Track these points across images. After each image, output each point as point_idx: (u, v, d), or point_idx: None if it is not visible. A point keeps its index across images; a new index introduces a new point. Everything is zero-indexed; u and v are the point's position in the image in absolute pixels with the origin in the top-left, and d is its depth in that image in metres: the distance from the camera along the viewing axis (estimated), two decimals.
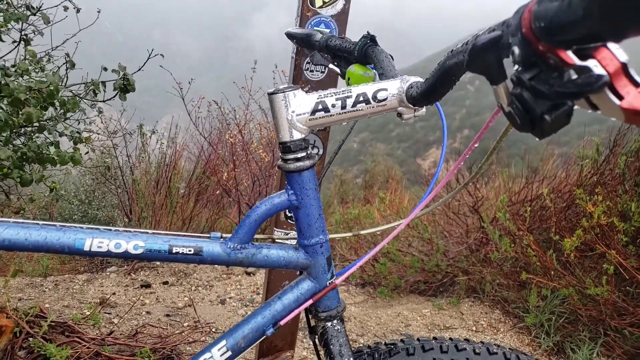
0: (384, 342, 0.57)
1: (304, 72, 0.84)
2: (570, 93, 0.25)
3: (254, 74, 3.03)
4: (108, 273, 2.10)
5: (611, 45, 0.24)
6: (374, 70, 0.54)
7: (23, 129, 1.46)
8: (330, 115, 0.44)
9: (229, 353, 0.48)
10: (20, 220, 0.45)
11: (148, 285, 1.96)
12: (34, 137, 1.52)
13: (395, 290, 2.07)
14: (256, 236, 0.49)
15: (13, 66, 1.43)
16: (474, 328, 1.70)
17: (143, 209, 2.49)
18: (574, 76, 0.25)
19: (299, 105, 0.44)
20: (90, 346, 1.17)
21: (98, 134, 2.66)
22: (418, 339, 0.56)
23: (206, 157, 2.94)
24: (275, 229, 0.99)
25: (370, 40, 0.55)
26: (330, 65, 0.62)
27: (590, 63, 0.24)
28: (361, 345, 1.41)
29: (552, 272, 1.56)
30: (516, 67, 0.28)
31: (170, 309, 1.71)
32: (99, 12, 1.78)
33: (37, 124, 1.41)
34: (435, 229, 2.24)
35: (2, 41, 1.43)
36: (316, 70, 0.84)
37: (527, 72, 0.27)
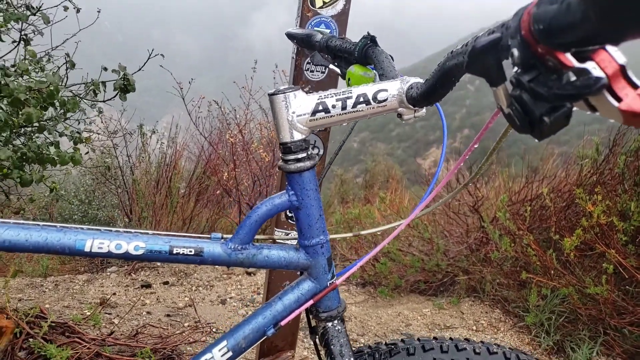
0: (384, 342, 0.57)
1: (305, 73, 0.84)
2: (569, 95, 0.25)
3: (254, 73, 3.03)
4: (108, 273, 2.10)
5: (610, 47, 0.25)
6: (374, 71, 0.54)
7: (23, 129, 1.46)
8: (331, 116, 0.44)
9: (230, 353, 0.48)
10: (21, 221, 0.45)
11: (148, 286, 1.96)
12: (34, 137, 1.52)
13: (396, 290, 2.07)
14: (257, 237, 0.49)
15: (13, 66, 1.43)
16: (474, 327, 1.71)
17: (143, 209, 2.49)
18: (573, 78, 0.25)
19: (300, 106, 0.44)
20: (91, 347, 1.17)
21: (98, 134, 2.66)
22: (418, 339, 0.56)
23: (206, 157, 2.94)
24: (275, 229, 0.99)
25: (370, 40, 0.55)
26: (331, 66, 0.62)
27: (589, 65, 0.24)
28: (362, 345, 1.41)
29: (552, 272, 1.57)
30: (515, 69, 0.28)
31: (171, 309, 1.71)
32: (99, 12, 1.78)
33: (37, 124, 1.41)
34: (435, 229, 2.25)
35: (2, 41, 1.43)
36: (317, 71, 0.85)
37: (526, 74, 0.27)
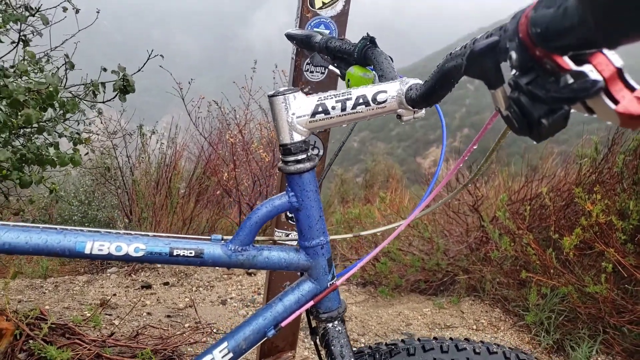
0: (384, 343, 0.57)
1: (304, 73, 0.85)
2: (567, 98, 0.25)
3: (254, 73, 3.03)
4: (108, 274, 2.10)
5: (606, 50, 0.25)
6: (374, 72, 0.55)
7: (22, 130, 1.46)
8: (330, 118, 0.44)
9: (231, 355, 0.48)
10: (21, 224, 0.45)
11: (149, 286, 1.96)
12: (33, 138, 1.52)
13: (396, 290, 2.07)
14: (257, 238, 0.50)
15: (12, 67, 1.43)
16: (474, 327, 1.71)
17: (143, 210, 2.48)
18: (570, 81, 0.25)
19: (299, 107, 0.44)
20: (91, 348, 1.17)
21: (97, 134, 2.66)
22: (419, 339, 0.57)
23: (206, 157, 2.94)
24: (275, 229, 0.99)
25: (369, 42, 0.55)
26: (330, 67, 0.63)
27: (586, 68, 0.25)
28: (362, 345, 1.41)
29: (552, 271, 1.57)
30: (514, 71, 0.28)
31: (171, 310, 1.71)
32: (98, 12, 1.77)
33: (36, 125, 1.41)
34: (435, 228, 2.25)
35: (1, 42, 1.43)
36: (316, 71, 0.85)
37: (525, 77, 0.27)
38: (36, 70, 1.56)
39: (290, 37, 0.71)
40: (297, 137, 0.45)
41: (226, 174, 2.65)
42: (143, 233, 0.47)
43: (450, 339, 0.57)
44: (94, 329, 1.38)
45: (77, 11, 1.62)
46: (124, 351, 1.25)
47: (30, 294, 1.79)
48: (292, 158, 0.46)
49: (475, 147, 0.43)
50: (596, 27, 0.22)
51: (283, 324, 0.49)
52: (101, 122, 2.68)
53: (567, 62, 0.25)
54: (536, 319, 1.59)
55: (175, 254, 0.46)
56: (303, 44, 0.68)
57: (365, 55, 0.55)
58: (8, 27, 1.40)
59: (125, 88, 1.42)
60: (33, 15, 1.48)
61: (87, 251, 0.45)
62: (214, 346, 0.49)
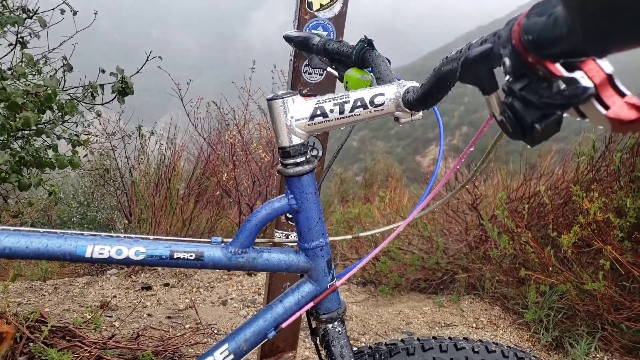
0: (384, 342, 0.58)
1: (303, 75, 0.85)
2: (559, 104, 0.26)
3: (252, 73, 3.02)
4: (108, 276, 2.10)
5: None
6: (372, 74, 0.55)
7: (21, 133, 1.46)
8: (329, 121, 0.45)
9: (232, 356, 0.49)
10: (21, 228, 0.46)
11: (149, 288, 1.96)
12: (31, 140, 1.52)
13: (396, 289, 2.08)
14: (257, 240, 0.50)
15: (9, 69, 1.42)
16: (474, 325, 1.72)
17: (143, 211, 2.48)
18: (563, 86, 0.25)
19: (298, 110, 0.45)
20: (92, 350, 1.18)
21: (96, 136, 2.66)
22: (418, 339, 0.57)
23: (205, 158, 2.94)
24: (275, 230, 0.99)
25: (367, 44, 0.55)
26: (329, 69, 0.63)
27: (577, 75, 0.25)
28: (362, 345, 1.42)
29: (550, 269, 1.58)
30: (507, 77, 0.28)
31: (172, 311, 1.71)
32: (95, 14, 1.77)
33: (34, 128, 1.40)
34: (434, 227, 2.26)
35: None
36: (314, 73, 0.85)
37: (518, 83, 0.28)
38: (34, 73, 1.56)
39: (288, 39, 0.71)
40: (296, 140, 0.46)
41: (225, 175, 2.65)
42: (143, 236, 0.48)
43: (449, 338, 0.58)
44: (94, 331, 1.38)
45: (75, 13, 1.62)
46: (125, 353, 1.25)
47: (29, 296, 1.79)
48: (291, 161, 0.46)
49: (472, 150, 0.43)
50: (585, 37, 0.22)
51: (283, 325, 0.50)
52: (100, 124, 2.68)
53: (558, 68, 0.26)
54: (535, 317, 1.60)
55: (175, 257, 0.46)
56: (301, 46, 0.68)
57: (363, 58, 0.56)
58: (5, 29, 1.40)
59: (124, 90, 1.42)
60: (31, 18, 1.48)
61: (87, 255, 0.45)
62: (214, 348, 0.49)
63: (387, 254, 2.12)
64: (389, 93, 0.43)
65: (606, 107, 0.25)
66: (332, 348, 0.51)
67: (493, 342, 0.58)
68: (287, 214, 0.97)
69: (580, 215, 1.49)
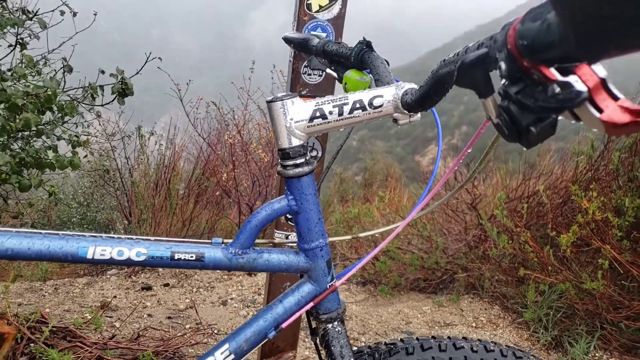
0: (383, 342, 0.58)
1: (302, 76, 0.85)
2: (553, 108, 0.26)
3: (252, 74, 3.03)
4: (108, 276, 2.10)
5: None
6: (370, 76, 0.55)
7: (21, 134, 1.46)
8: (328, 122, 0.45)
9: (232, 356, 0.49)
10: (23, 230, 0.46)
11: (149, 288, 1.96)
12: (31, 141, 1.52)
13: (396, 288, 2.09)
14: (257, 240, 0.50)
15: (9, 70, 1.43)
16: (473, 324, 1.72)
17: (143, 211, 2.49)
18: (557, 90, 0.26)
19: (297, 112, 0.45)
20: (93, 351, 1.18)
21: (96, 137, 2.66)
22: (417, 338, 0.58)
23: (205, 158, 2.94)
24: (275, 230, 0.99)
25: (366, 46, 0.56)
26: (328, 70, 0.63)
27: (572, 79, 0.26)
28: (362, 345, 1.42)
29: (549, 268, 1.58)
30: (503, 81, 0.29)
31: (172, 311, 1.71)
32: (95, 14, 1.77)
33: (35, 129, 1.41)
34: (434, 227, 2.26)
35: None
36: (314, 74, 0.85)
37: (514, 86, 0.28)
38: (34, 74, 1.56)
39: (287, 40, 0.71)
40: (296, 142, 0.46)
41: (225, 175, 2.65)
42: (144, 237, 0.48)
43: (448, 337, 0.58)
44: (95, 332, 1.38)
45: (75, 14, 1.62)
46: (126, 353, 1.25)
47: (30, 297, 1.79)
48: (290, 162, 0.46)
49: (469, 151, 0.44)
50: (577, 44, 0.23)
51: (283, 325, 0.50)
52: (99, 124, 2.68)
53: (553, 73, 0.26)
54: (534, 316, 1.60)
55: (176, 257, 0.47)
56: (300, 48, 0.68)
57: (362, 59, 0.56)
58: (5, 30, 1.40)
59: (123, 91, 1.42)
60: (30, 19, 1.48)
61: (89, 256, 0.45)
62: (215, 347, 0.50)
63: (387, 254, 2.13)
64: (388, 95, 0.44)
65: (600, 111, 0.25)
66: (332, 348, 0.52)
67: (492, 342, 0.58)
68: (287, 215, 0.97)
69: (579, 214, 1.49)
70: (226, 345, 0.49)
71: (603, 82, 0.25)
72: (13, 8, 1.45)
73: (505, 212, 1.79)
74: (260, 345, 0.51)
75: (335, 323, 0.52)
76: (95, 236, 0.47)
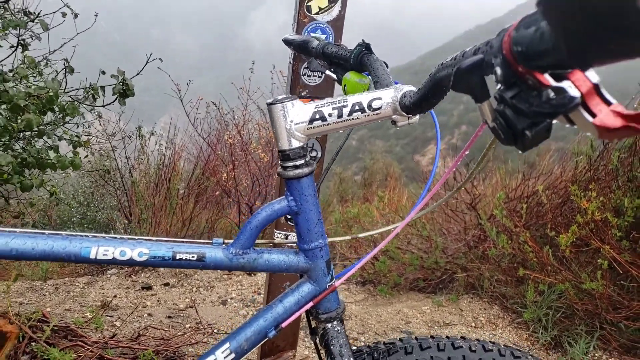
0: (382, 342, 0.59)
1: (302, 77, 0.86)
2: (548, 112, 0.27)
3: (252, 74, 3.03)
4: (109, 275, 2.11)
5: None
6: (369, 77, 0.56)
7: (22, 134, 1.47)
8: (327, 124, 0.46)
9: (233, 355, 0.50)
10: (27, 230, 0.47)
11: (149, 287, 1.97)
12: (33, 142, 1.53)
13: (395, 288, 2.09)
14: (257, 241, 0.51)
15: (11, 71, 1.43)
16: (473, 324, 1.73)
17: (143, 211, 2.49)
18: (552, 95, 0.26)
19: (297, 114, 0.46)
20: (93, 350, 1.19)
21: (96, 137, 2.67)
22: (416, 338, 0.58)
23: (205, 158, 2.95)
24: (275, 230, 1.00)
25: (365, 48, 0.56)
26: (327, 72, 0.64)
27: (565, 84, 0.26)
28: (361, 344, 1.42)
29: (549, 268, 1.59)
30: (499, 86, 0.30)
31: (172, 311, 1.72)
32: (96, 15, 1.78)
33: (36, 129, 1.41)
34: (433, 227, 2.27)
35: (0, 46, 1.43)
36: (313, 76, 0.86)
37: (509, 91, 0.29)
38: (35, 75, 1.57)
39: (287, 42, 0.72)
40: (296, 144, 0.47)
41: (225, 175, 2.66)
42: (146, 238, 0.49)
43: (447, 337, 0.59)
44: (95, 331, 1.39)
45: (76, 16, 1.63)
46: (126, 352, 1.26)
47: (30, 296, 1.80)
48: (290, 164, 0.47)
49: (467, 153, 0.44)
50: (568, 53, 0.24)
51: (283, 324, 0.51)
52: (100, 124, 2.68)
53: (547, 78, 0.27)
54: (534, 316, 1.61)
55: (178, 257, 0.47)
56: (300, 49, 0.69)
57: (361, 62, 0.56)
58: (7, 32, 1.41)
59: (124, 92, 1.42)
60: (32, 21, 1.48)
61: (92, 256, 0.46)
62: (216, 347, 0.50)
63: (386, 254, 2.13)
64: (386, 97, 0.44)
65: (593, 115, 0.26)
66: (332, 347, 0.52)
67: (490, 341, 0.59)
68: (287, 215, 0.97)
69: (579, 214, 1.50)
70: (227, 345, 0.50)
71: (596, 88, 0.26)
72: (15, 9, 1.45)
73: (505, 212, 1.79)
74: (260, 344, 0.52)
75: (335, 323, 0.53)
76: (97, 236, 0.47)
